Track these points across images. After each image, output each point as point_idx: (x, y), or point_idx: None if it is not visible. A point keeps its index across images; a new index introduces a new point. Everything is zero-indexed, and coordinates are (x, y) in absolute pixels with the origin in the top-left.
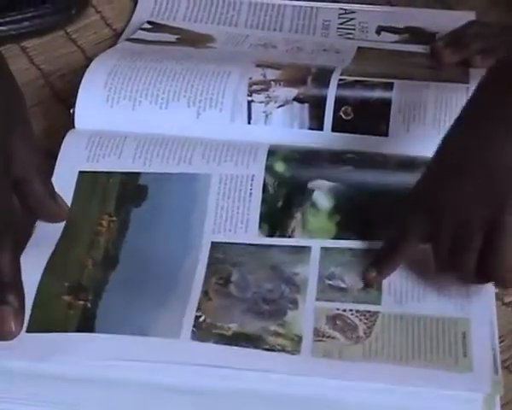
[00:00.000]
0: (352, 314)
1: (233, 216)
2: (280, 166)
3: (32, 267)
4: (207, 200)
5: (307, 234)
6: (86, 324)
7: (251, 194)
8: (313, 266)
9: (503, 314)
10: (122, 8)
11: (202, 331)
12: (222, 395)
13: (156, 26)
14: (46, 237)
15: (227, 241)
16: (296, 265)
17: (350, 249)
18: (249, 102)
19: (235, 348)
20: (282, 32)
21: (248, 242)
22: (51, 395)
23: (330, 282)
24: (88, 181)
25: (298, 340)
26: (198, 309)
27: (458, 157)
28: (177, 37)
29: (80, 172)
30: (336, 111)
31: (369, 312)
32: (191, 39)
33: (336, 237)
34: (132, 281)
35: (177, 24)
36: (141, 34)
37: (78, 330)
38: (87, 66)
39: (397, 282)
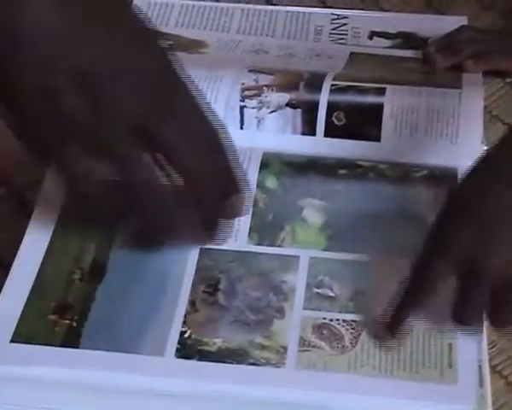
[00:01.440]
0: (338, 324)
1: None
2: (271, 183)
3: (19, 285)
4: None
5: (296, 245)
6: (71, 341)
7: None
8: (301, 274)
9: None
10: None
11: (187, 348)
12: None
13: None
14: (33, 248)
15: (215, 248)
16: (285, 272)
17: (339, 260)
18: (241, 108)
19: (219, 364)
20: (274, 37)
21: (237, 249)
22: (35, 399)
23: (318, 290)
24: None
25: (283, 351)
26: (184, 324)
27: (479, 198)
28: (169, 42)
29: None
30: (329, 116)
31: (355, 322)
32: (183, 45)
33: (326, 250)
34: (119, 296)
35: (169, 30)
36: None
37: (63, 345)
38: None
39: (386, 293)
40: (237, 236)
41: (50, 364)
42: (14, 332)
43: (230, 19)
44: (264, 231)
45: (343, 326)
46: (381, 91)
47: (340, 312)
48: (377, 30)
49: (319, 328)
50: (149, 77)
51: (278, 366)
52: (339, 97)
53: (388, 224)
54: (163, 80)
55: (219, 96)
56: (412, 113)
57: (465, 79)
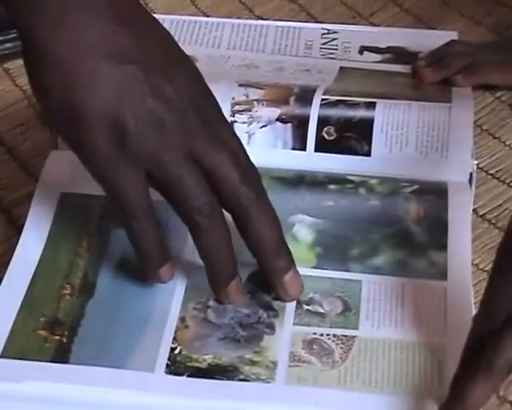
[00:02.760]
0: (328, 339)
1: None
2: None
3: (9, 300)
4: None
5: None
6: (61, 356)
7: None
8: None
9: None
10: None
11: (177, 364)
12: None
13: None
14: (23, 264)
15: None
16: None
17: (329, 278)
18: (232, 123)
19: (209, 380)
20: (264, 52)
21: None
22: None
23: (308, 307)
24: (69, 203)
25: (273, 367)
26: (174, 340)
27: None
28: None
29: (62, 193)
30: (319, 131)
31: (346, 336)
32: None
33: (316, 268)
34: (109, 311)
35: None
36: None
37: (53, 361)
38: None
39: (375, 309)
40: None
41: (40, 379)
42: (4, 347)
43: (220, 34)
44: None
45: (333, 341)
46: (372, 106)
47: (331, 327)
48: (367, 45)
49: (309, 343)
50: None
51: (268, 382)
52: (329, 112)
53: (377, 241)
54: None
55: None
56: (402, 127)
57: (455, 94)
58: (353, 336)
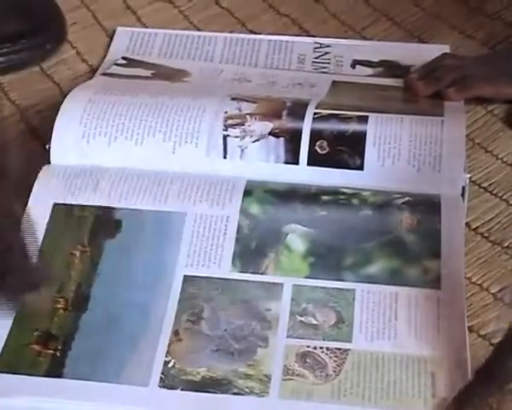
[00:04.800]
0: (322, 352)
1: (206, 252)
2: (255, 209)
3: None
4: (181, 237)
5: (280, 272)
6: (55, 370)
7: (225, 233)
8: (285, 303)
9: (479, 347)
10: (98, 43)
11: (171, 377)
12: None
13: (131, 62)
14: None
15: (200, 275)
16: (268, 301)
17: (323, 288)
18: (225, 137)
19: (203, 394)
20: (257, 66)
21: (221, 276)
22: None
23: (302, 318)
24: (62, 213)
25: (267, 380)
26: (167, 353)
27: None
28: (151, 72)
29: (55, 204)
30: (312, 145)
31: (339, 349)
32: (166, 74)
33: (309, 277)
34: (102, 325)
35: (152, 60)
36: (115, 69)
37: (47, 375)
38: (63, 101)
39: (369, 320)
40: (221, 262)
41: (33, 394)
42: None
43: (213, 48)
44: (247, 257)
45: (326, 354)
46: (364, 120)
47: (324, 339)
48: (360, 58)
49: (303, 356)
50: None
51: (262, 396)
52: (322, 126)
53: (370, 251)
54: None
55: (202, 125)
56: (395, 141)
57: (447, 107)
58: (347, 350)
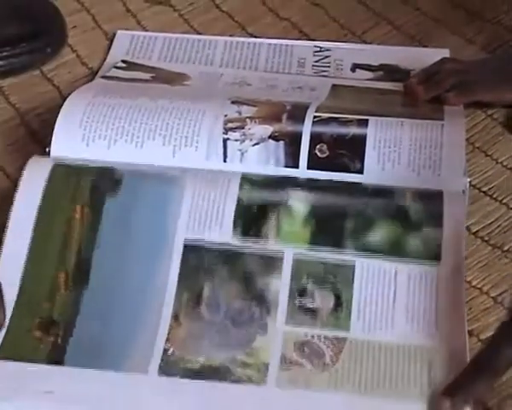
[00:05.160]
0: (319, 341)
1: (207, 216)
2: (256, 176)
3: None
4: (182, 200)
5: (281, 240)
6: (56, 357)
7: (226, 196)
8: (285, 277)
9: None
10: (98, 47)
11: (170, 364)
12: None
13: (130, 65)
14: (14, 254)
15: (200, 238)
16: (268, 275)
17: (322, 263)
18: (225, 140)
19: (202, 381)
20: (257, 70)
21: (222, 241)
22: None
23: (301, 299)
24: (62, 173)
25: (264, 369)
26: (167, 341)
27: None
28: (151, 75)
29: (55, 164)
30: (312, 148)
31: (337, 338)
32: (166, 78)
33: (310, 245)
34: (103, 308)
35: (152, 63)
36: (115, 72)
37: (48, 362)
38: (63, 105)
39: (367, 308)
40: (222, 225)
41: (35, 382)
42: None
43: (213, 52)
44: (248, 221)
45: (324, 343)
46: (364, 123)
47: (322, 327)
48: (360, 62)
49: (301, 345)
50: None
51: (259, 384)
52: (322, 129)
53: (372, 216)
54: None
55: (202, 128)
56: (395, 145)
57: (447, 111)
58: (344, 338)
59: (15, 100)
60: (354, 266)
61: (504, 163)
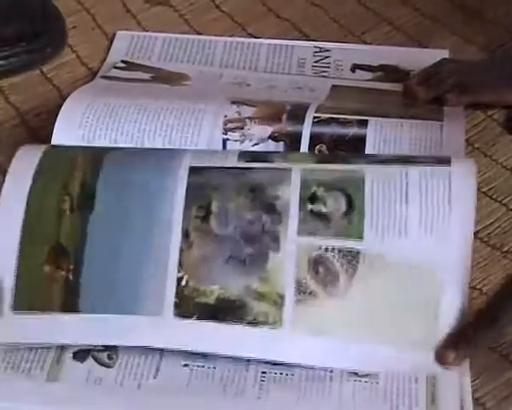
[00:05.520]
0: (333, 257)
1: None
2: None
3: (8, 232)
4: None
5: (288, 161)
6: (70, 302)
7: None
8: (294, 186)
9: None
10: (98, 47)
11: (185, 300)
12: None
13: (130, 65)
14: (19, 180)
15: (206, 165)
16: (277, 186)
17: (332, 171)
18: (224, 141)
19: (218, 325)
20: (257, 70)
21: (228, 166)
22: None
23: (312, 206)
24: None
25: (280, 302)
26: (180, 266)
27: None
28: (151, 75)
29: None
30: (311, 149)
31: (350, 252)
32: (165, 78)
33: (318, 162)
34: (111, 229)
35: (151, 63)
36: (115, 72)
37: (63, 309)
38: (63, 105)
39: (379, 212)
40: (227, 157)
41: (51, 333)
42: (15, 299)
43: (213, 52)
44: (253, 154)
45: (338, 261)
46: (364, 124)
47: (335, 236)
48: (359, 63)
49: (315, 263)
50: None
51: (275, 326)
52: (321, 130)
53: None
54: None
55: (202, 128)
56: (394, 145)
57: (446, 112)
58: (358, 253)
59: (15, 100)
60: (364, 175)
61: (504, 164)
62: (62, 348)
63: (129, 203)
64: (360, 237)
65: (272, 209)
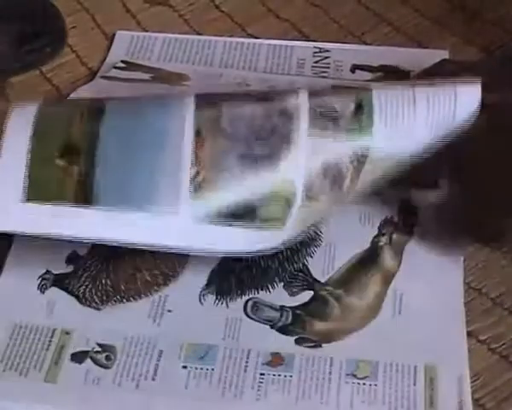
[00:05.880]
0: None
1: None
2: None
3: (19, 133)
4: None
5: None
6: (84, 197)
7: None
8: (303, 95)
9: (477, 352)
10: (97, 47)
11: (200, 199)
12: None
13: (130, 65)
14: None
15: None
16: (284, 97)
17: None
18: None
19: (229, 228)
20: (256, 71)
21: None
22: None
23: (321, 110)
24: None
25: (290, 204)
26: (193, 162)
27: None
28: (150, 75)
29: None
30: None
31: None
32: (165, 78)
33: None
34: (122, 132)
35: (151, 63)
36: (114, 72)
37: (76, 202)
38: None
39: (388, 102)
40: None
41: (63, 227)
42: (27, 190)
43: (213, 52)
44: None
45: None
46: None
47: (347, 132)
48: (359, 63)
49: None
50: None
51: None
52: None
53: None
54: None
55: None
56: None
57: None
58: (367, 150)
59: (14, 100)
60: (370, 86)
61: None
62: (61, 348)
63: (141, 109)
64: (369, 134)
65: (283, 111)
